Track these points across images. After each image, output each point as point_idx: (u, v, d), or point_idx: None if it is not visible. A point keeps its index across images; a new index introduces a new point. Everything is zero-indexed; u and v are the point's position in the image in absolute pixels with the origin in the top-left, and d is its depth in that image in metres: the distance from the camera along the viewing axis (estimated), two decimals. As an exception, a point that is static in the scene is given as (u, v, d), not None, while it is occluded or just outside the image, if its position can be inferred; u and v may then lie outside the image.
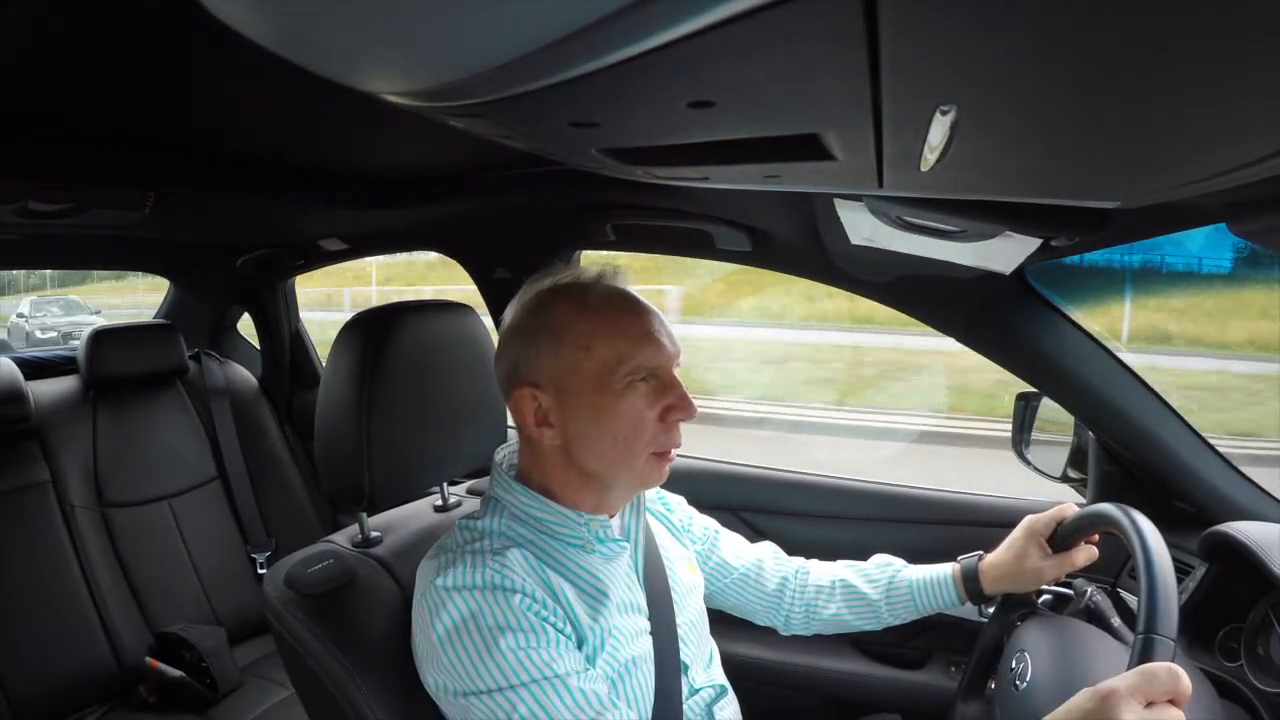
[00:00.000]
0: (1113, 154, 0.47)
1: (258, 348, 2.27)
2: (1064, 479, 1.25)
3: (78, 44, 0.67)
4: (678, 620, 0.85)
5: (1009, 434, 1.27)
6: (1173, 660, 0.64)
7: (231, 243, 1.99)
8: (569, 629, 0.73)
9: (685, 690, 0.83)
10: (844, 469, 1.50)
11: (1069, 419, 1.23)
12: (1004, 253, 0.95)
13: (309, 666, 0.79)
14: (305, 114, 0.93)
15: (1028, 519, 0.95)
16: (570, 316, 0.76)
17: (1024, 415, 1.26)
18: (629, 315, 0.77)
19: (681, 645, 0.84)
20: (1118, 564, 1.14)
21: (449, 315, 0.95)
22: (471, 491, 1.08)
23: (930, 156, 0.44)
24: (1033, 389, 1.22)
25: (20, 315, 11.34)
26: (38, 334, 10.22)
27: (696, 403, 0.77)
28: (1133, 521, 0.77)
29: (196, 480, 1.89)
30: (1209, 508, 1.09)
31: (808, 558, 1.05)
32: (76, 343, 1.90)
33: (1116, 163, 0.50)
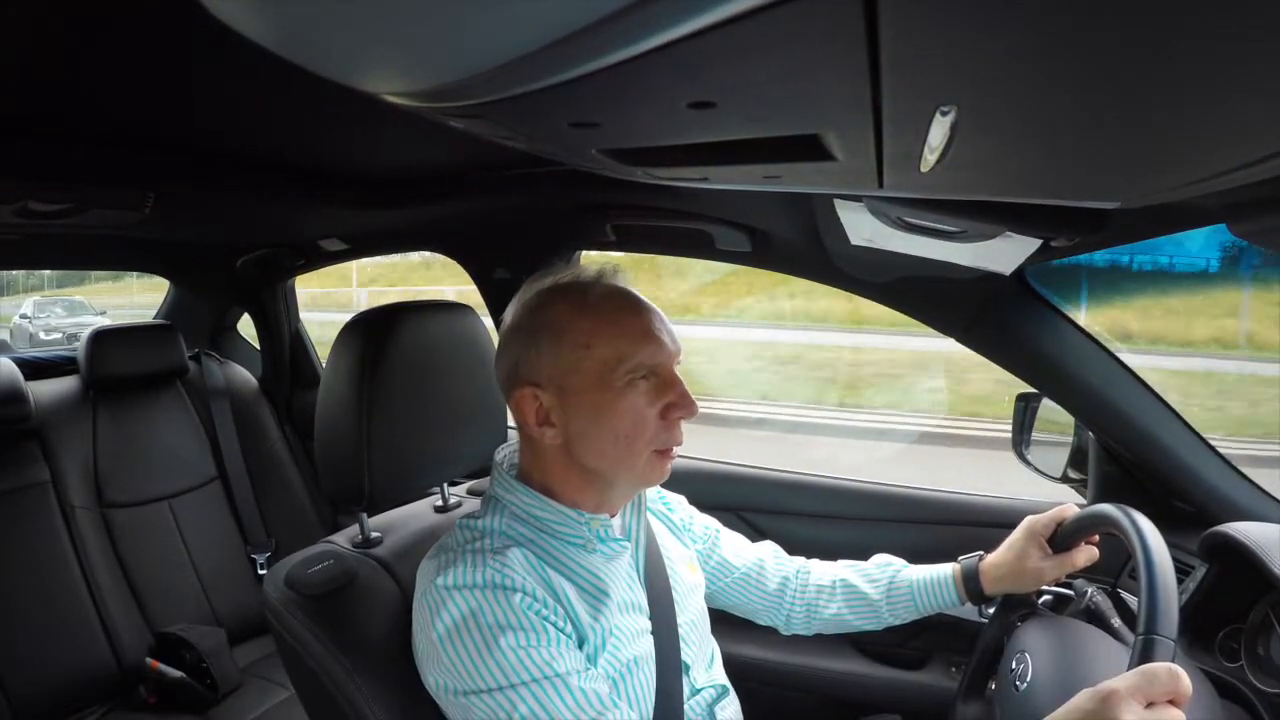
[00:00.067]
0: (1113, 154, 0.47)
1: (258, 348, 2.27)
2: (1064, 479, 1.25)
3: (78, 44, 0.67)
4: (679, 620, 0.85)
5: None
6: (1173, 661, 0.64)
7: (231, 243, 1.98)
8: (570, 628, 0.73)
9: (686, 690, 0.83)
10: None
11: (1069, 419, 1.23)
12: (1004, 253, 0.95)
13: (309, 667, 0.79)
14: (305, 114, 0.93)
15: (1028, 519, 0.95)
16: (570, 315, 0.76)
17: (1024, 416, 1.26)
18: (629, 314, 0.77)
19: (683, 645, 0.84)
20: (1118, 564, 1.14)
21: (449, 315, 0.95)
22: (472, 492, 1.08)
23: (930, 157, 0.44)
24: (1032, 389, 1.22)
25: (23, 316, 11.24)
26: (41, 335, 10.11)
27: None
28: (1133, 522, 0.77)
29: (196, 480, 1.89)
30: (1209, 508, 1.09)
31: (808, 557, 1.05)
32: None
33: (1116, 163, 0.50)
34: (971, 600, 0.96)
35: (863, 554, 1.05)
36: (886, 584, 0.99)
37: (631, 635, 0.78)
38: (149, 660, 1.61)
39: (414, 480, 0.92)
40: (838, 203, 0.94)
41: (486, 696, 0.68)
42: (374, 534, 0.91)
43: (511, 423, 0.85)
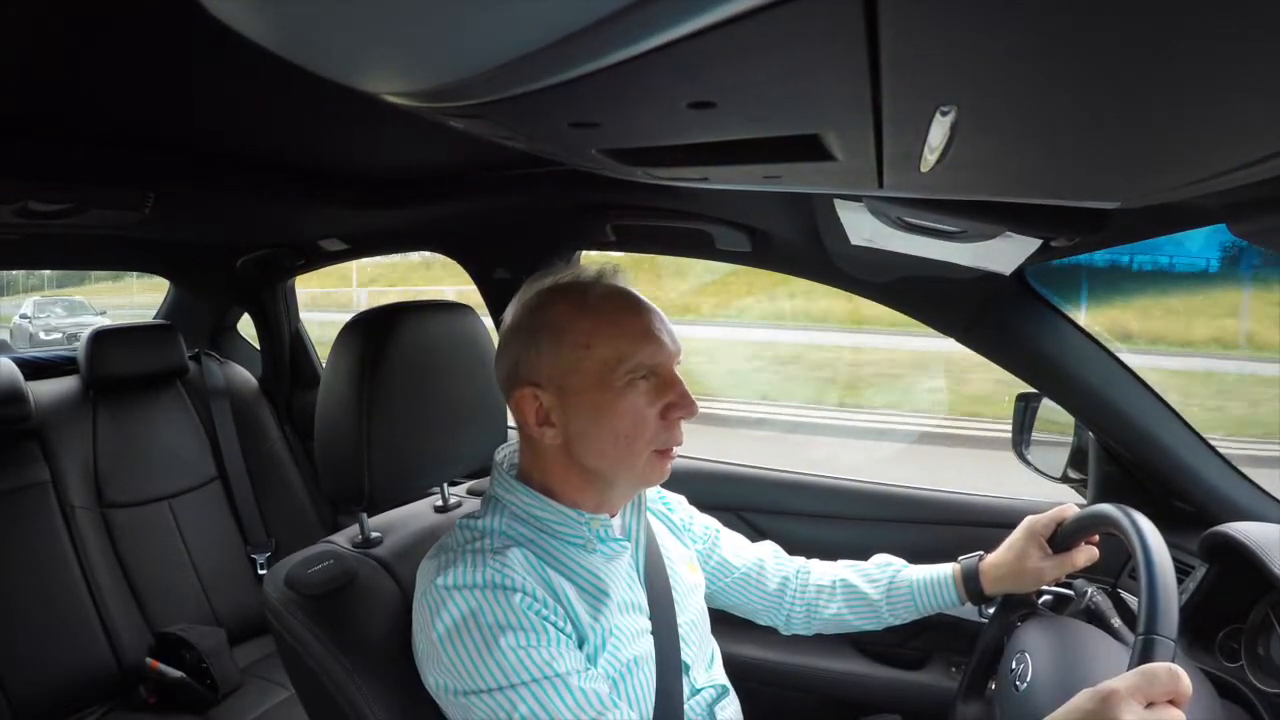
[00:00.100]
0: (1113, 154, 0.47)
1: (258, 348, 2.27)
2: (1064, 479, 1.25)
3: (78, 44, 0.67)
4: (679, 620, 0.85)
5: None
6: (1173, 661, 0.64)
7: (231, 243, 1.98)
8: (570, 628, 0.73)
9: (686, 690, 0.83)
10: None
11: (1069, 419, 1.23)
12: (1004, 253, 0.95)
13: (309, 667, 0.79)
14: (305, 114, 0.93)
15: (1028, 519, 0.95)
16: (570, 316, 0.76)
17: (1024, 416, 1.26)
18: (629, 314, 0.77)
19: (683, 645, 0.84)
20: (1118, 564, 1.14)
21: (449, 315, 0.95)
22: (472, 492, 1.08)
23: (930, 157, 0.44)
24: (1032, 389, 1.22)
25: (24, 316, 11.18)
26: (41, 335, 10.03)
27: None
28: (1133, 522, 0.77)
29: (196, 480, 1.89)
30: (1209, 508, 1.09)
31: (808, 557, 1.05)
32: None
33: (1116, 163, 0.50)
34: (971, 600, 0.96)
35: (863, 554, 1.05)
36: (886, 584, 0.99)
37: (631, 635, 0.78)
38: (149, 660, 1.61)
39: (414, 480, 0.92)
40: (838, 203, 0.94)
41: (486, 696, 0.68)
42: (374, 534, 0.91)
43: (511, 423, 0.85)
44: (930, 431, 5.36)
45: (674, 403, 0.76)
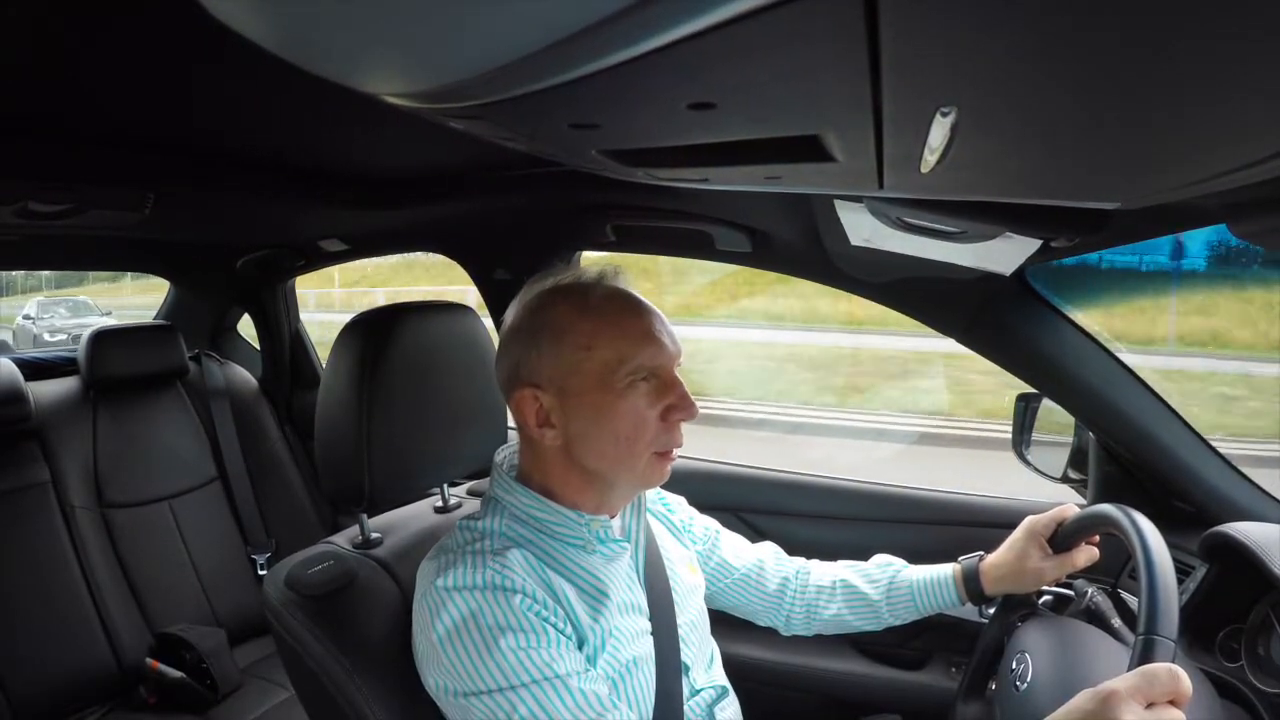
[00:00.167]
0: (1113, 154, 0.47)
1: (258, 348, 2.27)
2: (1064, 480, 1.25)
3: (78, 44, 0.67)
4: (679, 621, 0.85)
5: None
6: (1173, 661, 0.64)
7: (231, 243, 1.99)
8: (569, 629, 0.73)
9: (686, 691, 0.83)
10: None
11: (1069, 419, 1.23)
12: (1004, 254, 0.95)
13: (309, 667, 0.79)
14: (305, 114, 0.93)
15: (1028, 520, 0.95)
16: (571, 317, 0.76)
17: (1024, 416, 1.26)
18: (630, 315, 0.77)
19: (682, 646, 0.84)
20: (1118, 565, 1.14)
21: (449, 316, 0.95)
22: (472, 492, 1.08)
23: (930, 158, 0.44)
24: (1033, 390, 1.22)
25: (27, 317, 11.00)
26: (46, 337, 9.81)
27: None
28: (1133, 522, 0.77)
29: (197, 481, 1.89)
30: (1209, 508, 1.09)
31: (808, 558, 1.05)
32: None
33: (1116, 163, 0.50)
34: (972, 600, 0.96)
35: (863, 554, 1.05)
36: (886, 584, 0.99)
37: (631, 636, 0.78)
38: (149, 660, 1.61)
39: (414, 481, 0.92)
40: (838, 203, 0.94)
41: (486, 698, 0.68)
42: (374, 535, 0.91)
43: (511, 424, 0.85)
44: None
45: (674, 404, 0.76)
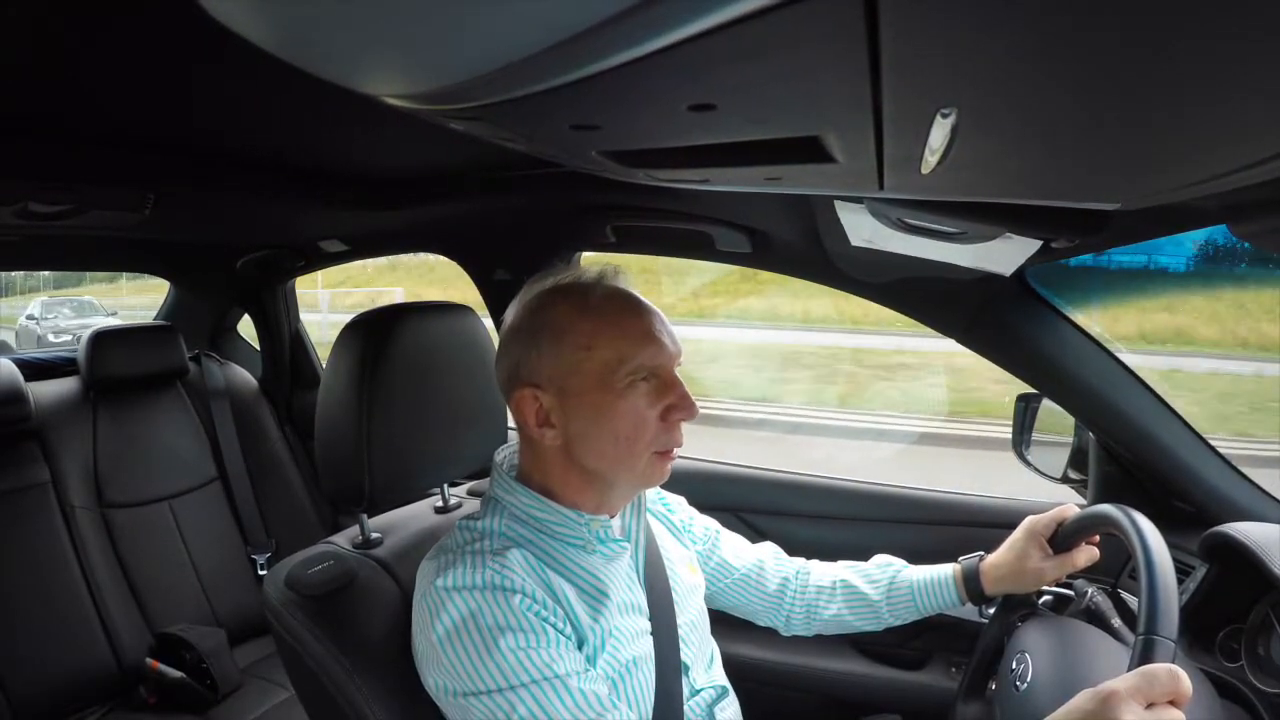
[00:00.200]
0: (1113, 155, 0.47)
1: (258, 349, 2.27)
2: (1064, 480, 1.25)
3: (78, 44, 0.67)
4: (678, 621, 0.85)
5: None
6: (1173, 661, 0.64)
7: (231, 244, 1.99)
8: (569, 629, 0.73)
9: (686, 691, 0.83)
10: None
11: (1069, 420, 1.23)
12: (1004, 254, 0.95)
13: (309, 667, 0.79)
14: (305, 114, 0.93)
15: (1028, 520, 0.95)
16: (571, 317, 0.76)
17: (1024, 416, 1.26)
18: (630, 315, 0.77)
19: (682, 646, 0.84)
20: (1118, 565, 1.14)
21: (449, 316, 0.95)
22: (472, 493, 1.08)
23: (931, 158, 0.44)
24: (1033, 390, 1.22)
25: (30, 317, 10.88)
26: (50, 338, 9.66)
27: None
28: (1133, 522, 0.77)
29: (197, 481, 1.89)
30: (1209, 508, 1.09)
31: (808, 558, 1.05)
32: None
33: (1116, 164, 0.50)
34: (972, 600, 0.96)
35: (863, 554, 1.05)
36: (887, 584, 0.99)
37: (631, 636, 0.78)
38: (149, 660, 1.61)
39: (414, 481, 0.92)
40: (838, 204, 0.94)
41: (486, 698, 0.68)
42: (374, 535, 0.91)
43: (511, 424, 0.85)
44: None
45: (674, 404, 0.76)
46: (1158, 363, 5.98)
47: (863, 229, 0.98)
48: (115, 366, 1.82)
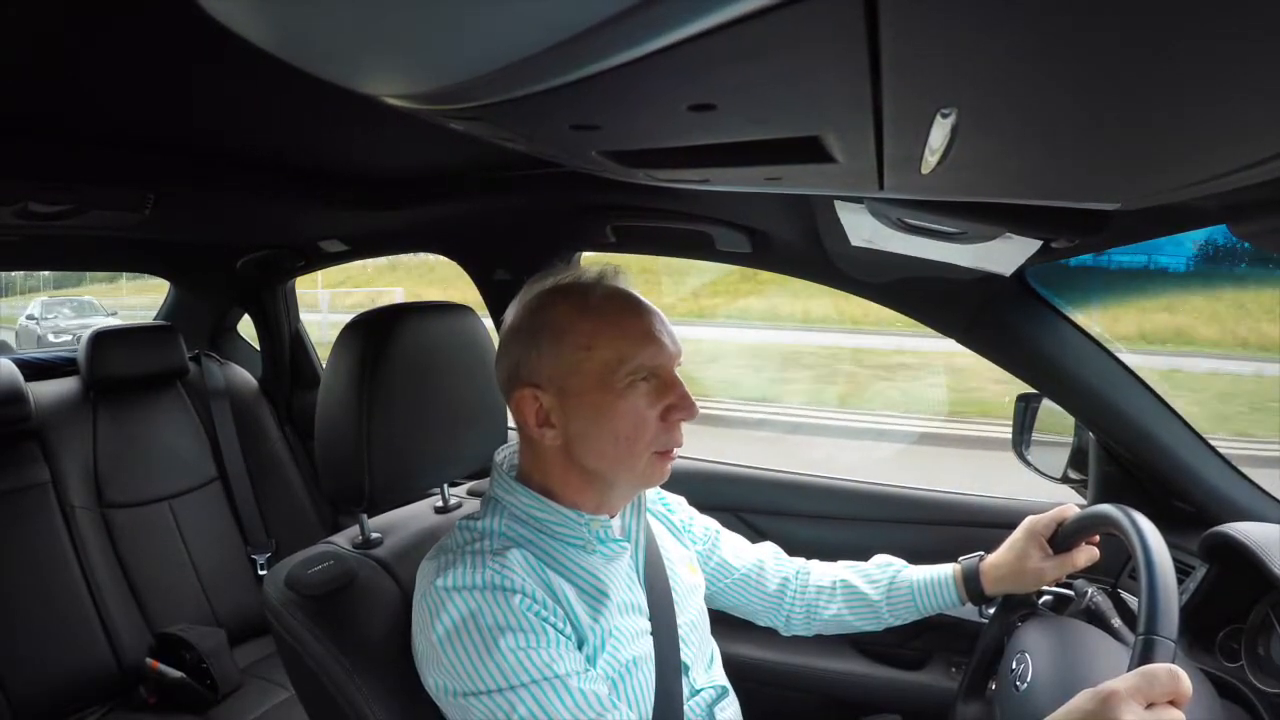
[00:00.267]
0: (1113, 155, 0.47)
1: (258, 349, 2.27)
2: (1064, 480, 1.25)
3: (78, 44, 0.67)
4: (678, 621, 0.85)
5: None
6: (1173, 661, 0.64)
7: (231, 244, 1.99)
8: (569, 629, 0.73)
9: (686, 691, 0.83)
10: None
11: (1069, 420, 1.23)
12: (1004, 254, 0.95)
13: (309, 667, 0.79)
14: (305, 114, 0.93)
15: (1028, 520, 0.95)
16: (571, 317, 0.76)
17: (1024, 416, 1.26)
18: (630, 315, 0.77)
19: (682, 646, 0.84)
20: (1118, 565, 1.14)
21: (449, 316, 0.95)
22: (472, 493, 1.08)
23: (931, 158, 0.44)
24: (1033, 390, 1.22)
25: (30, 318, 10.83)
26: (50, 338, 9.60)
27: None
28: (1133, 522, 0.77)
29: (197, 481, 1.89)
30: (1209, 508, 1.09)
31: (808, 558, 1.05)
32: None
33: (1117, 164, 0.50)
34: (972, 600, 0.96)
35: (863, 554, 1.05)
36: (887, 584, 0.99)
37: (631, 636, 0.78)
38: (149, 660, 1.61)
39: (414, 481, 0.92)
40: (838, 204, 0.94)
41: (486, 698, 0.68)
42: (374, 535, 0.91)
43: (511, 424, 0.85)
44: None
45: (674, 404, 0.76)
46: (1158, 363, 6.00)
47: (863, 229, 0.98)
48: (115, 366, 1.82)
